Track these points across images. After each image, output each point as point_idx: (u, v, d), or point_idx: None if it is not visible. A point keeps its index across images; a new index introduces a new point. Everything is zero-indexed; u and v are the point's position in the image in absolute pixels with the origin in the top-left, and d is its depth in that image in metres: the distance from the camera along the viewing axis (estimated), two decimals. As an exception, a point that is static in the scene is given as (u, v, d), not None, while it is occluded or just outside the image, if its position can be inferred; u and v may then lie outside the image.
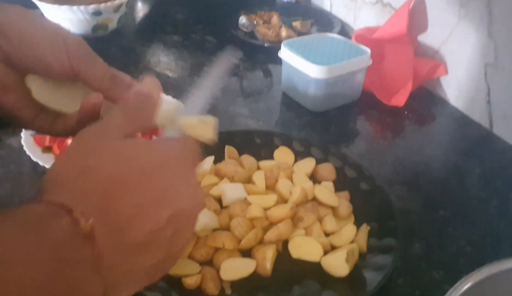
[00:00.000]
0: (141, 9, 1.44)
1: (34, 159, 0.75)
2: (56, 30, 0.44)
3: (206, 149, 0.73)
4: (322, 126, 0.94)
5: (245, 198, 0.67)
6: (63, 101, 0.47)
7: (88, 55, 0.45)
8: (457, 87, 1.00)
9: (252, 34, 1.24)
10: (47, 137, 0.79)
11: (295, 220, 0.64)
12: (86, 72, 0.44)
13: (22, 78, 0.45)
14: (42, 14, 0.43)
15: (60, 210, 0.32)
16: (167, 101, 0.47)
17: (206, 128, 0.47)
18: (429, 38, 1.03)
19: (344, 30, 1.29)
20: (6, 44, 0.43)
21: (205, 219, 0.63)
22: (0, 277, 0.28)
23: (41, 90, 0.46)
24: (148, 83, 0.46)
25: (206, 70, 0.50)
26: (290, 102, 1.00)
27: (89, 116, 0.46)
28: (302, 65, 0.93)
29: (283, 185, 0.69)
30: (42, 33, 0.43)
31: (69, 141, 0.76)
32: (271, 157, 0.79)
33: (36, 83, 0.46)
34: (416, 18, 1.01)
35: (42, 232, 0.30)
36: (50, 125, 0.48)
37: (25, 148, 0.76)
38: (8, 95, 0.45)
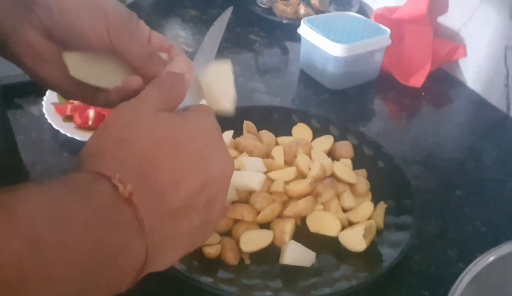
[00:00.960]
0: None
1: (55, 127, 0.76)
2: (97, 2, 0.44)
3: (225, 123, 0.74)
4: (339, 105, 0.94)
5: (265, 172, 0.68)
6: (99, 77, 0.47)
7: (128, 31, 0.45)
8: (475, 69, 0.99)
9: (270, 11, 1.24)
10: (68, 107, 0.80)
11: (313, 195, 0.65)
12: (124, 48, 0.45)
13: (61, 49, 0.46)
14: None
15: (100, 177, 0.33)
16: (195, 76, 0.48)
17: (225, 100, 0.49)
18: (449, 19, 1.03)
19: (363, 9, 1.28)
20: (47, 17, 0.43)
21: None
22: (56, 237, 0.29)
23: (77, 67, 0.46)
24: (180, 63, 0.47)
25: (208, 32, 0.52)
26: (307, 80, 1.00)
27: (130, 96, 0.47)
28: (322, 43, 0.93)
29: (302, 160, 0.69)
30: (83, 5, 0.43)
31: (90, 112, 0.77)
32: (289, 133, 0.79)
33: (72, 59, 0.46)
34: (437, -1, 1.01)
35: (89, 195, 0.32)
36: (91, 97, 0.49)
37: (46, 116, 0.78)
38: (49, 67, 0.46)
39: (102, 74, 0.47)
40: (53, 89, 0.48)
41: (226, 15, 0.54)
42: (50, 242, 0.28)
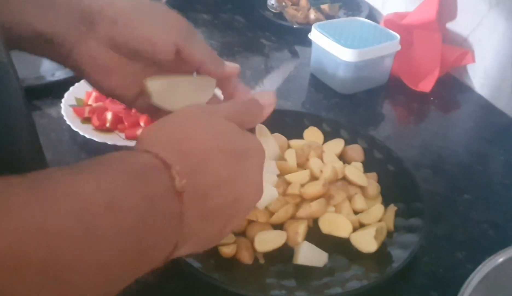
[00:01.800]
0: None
1: (74, 128, 0.78)
2: (157, 10, 0.47)
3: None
4: (350, 109, 0.96)
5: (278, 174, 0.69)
6: (180, 102, 0.48)
7: (190, 32, 0.48)
8: (483, 75, 1.01)
9: (280, 15, 1.26)
10: (86, 109, 0.82)
11: (326, 197, 0.67)
12: (189, 48, 0.47)
13: (125, 60, 0.48)
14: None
15: (161, 164, 0.35)
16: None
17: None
18: (458, 25, 1.05)
19: (372, 14, 1.30)
20: (111, 28, 0.46)
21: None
22: (111, 225, 0.31)
23: (159, 94, 0.49)
24: (266, 96, 0.50)
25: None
26: (318, 84, 1.02)
27: None
28: (333, 48, 0.95)
29: (314, 163, 0.71)
30: (144, 14, 0.46)
31: (108, 114, 0.79)
32: (300, 136, 0.81)
33: (155, 87, 0.49)
34: (446, 6, 1.02)
35: (146, 183, 0.33)
36: (148, 106, 0.51)
37: (65, 118, 0.80)
38: (112, 77, 0.49)
39: (183, 99, 0.49)
40: (115, 98, 0.51)
41: None
42: (105, 230, 0.30)
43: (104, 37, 0.46)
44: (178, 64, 0.50)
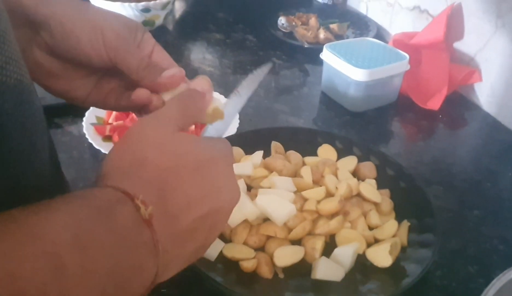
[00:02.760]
0: (182, 7, 1.49)
1: (96, 146, 0.81)
2: (95, 23, 0.47)
3: (254, 143, 0.78)
4: (361, 126, 0.99)
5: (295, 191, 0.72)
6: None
7: (124, 47, 0.48)
8: (490, 93, 1.04)
9: (290, 35, 1.29)
10: (107, 127, 0.85)
11: (341, 213, 0.69)
12: (122, 62, 0.48)
13: (69, 66, 0.49)
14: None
15: (124, 196, 0.35)
16: (216, 99, 0.51)
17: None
18: (465, 45, 1.08)
19: (380, 34, 1.33)
20: (50, 38, 0.47)
21: (258, 210, 0.68)
22: (79, 262, 0.30)
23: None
24: (201, 82, 0.49)
25: (244, 80, 0.56)
26: (329, 102, 1.05)
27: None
28: (344, 68, 0.98)
29: (330, 180, 0.74)
30: (82, 27, 0.46)
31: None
32: (314, 153, 0.84)
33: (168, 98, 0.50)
34: (453, 26, 1.05)
35: (112, 216, 0.33)
36: (103, 101, 0.52)
37: (87, 136, 0.82)
38: (58, 81, 0.50)
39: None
40: (67, 100, 0.52)
41: (266, 69, 0.57)
42: (73, 268, 0.29)
43: (45, 46, 0.47)
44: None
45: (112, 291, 0.32)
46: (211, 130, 0.49)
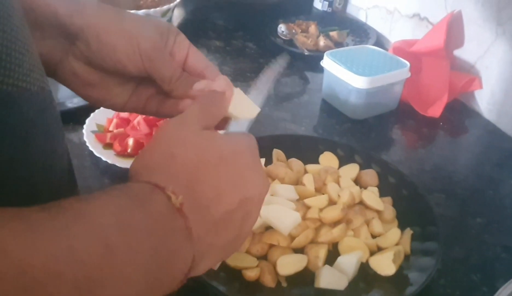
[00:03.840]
0: (181, 14, 1.50)
1: (96, 154, 0.80)
2: (131, 33, 0.48)
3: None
4: (362, 134, 0.98)
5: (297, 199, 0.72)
6: (247, 110, 0.52)
7: (159, 58, 0.49)
8: (491, 101, 1.04)
9: (290, 42, 1.29)
10: (108, 135, 0.84)
11: (344, 221, 0.69)
12: (156, 73, 0.50)
13: (106, 75, 0.50)
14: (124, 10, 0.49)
15: (156, 188, 0.37)
16: (238, 93, 0.52)
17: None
18: (466, 53, 1.08)
19: (380, 41, 1.33)
20: (86, 48, 0.48)
21: (261, 219, 0.67)
22: (125, 242, 0.32)
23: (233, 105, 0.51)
24: (221, 82, 0.51)
25: (261, 73, 0.56)
26: (330, 109, 1.05)
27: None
28: (344, 75, 0.98)
29: (332, 188, 0.74)
30: (118, 38, 0.48)
31: (129, 140, 0.82)
32: (315, 161, 0.83)
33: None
34: (454, 34, 1.06)
35: (148, 204, 0.36)
36: (143, 107, 0.54)
37: (87, 144, 0.82)
38: (95, 90, 0.51)
39: (249, 107, 0.52)
40: (106, 107, 0.54)
41: (282, 61, 0.58)
42: (121, 247, 0.32)
43: (81, 56, 0.49)
44: None
45: (155, 272, 0.34)
46: (234, 125, 0.50)
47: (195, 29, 1.39)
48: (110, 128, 0.87)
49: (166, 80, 0.50)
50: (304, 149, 0.85)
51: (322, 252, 0.65)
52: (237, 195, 0.41)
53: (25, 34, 0.34)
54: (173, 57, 0.51)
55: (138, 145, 0.82)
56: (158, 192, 0.37)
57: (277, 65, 0.58)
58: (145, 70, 0.49)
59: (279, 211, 0.66)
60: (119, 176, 0.79)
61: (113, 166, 0.79)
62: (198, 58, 0.53)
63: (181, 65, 0.52)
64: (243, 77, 1.14)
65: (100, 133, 0.86)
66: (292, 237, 0.67)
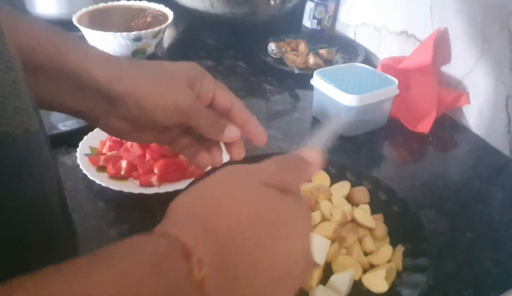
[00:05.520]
0: (172, 34, 1.51)
1: (90, 177, 0.81)
2: (169, 96, 0.52)
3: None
4: (352, 150, 1.00)
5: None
6: None
7: (195, 111, 0.53)
8: (479, 116, 1.06)
9: (280, 61, 1.31)
10: (101, 158, 0.85)
11: (337, 239, 0.70)
12: (194, 124, 0.54)
13: (144, 128, 0.56)
14: (155, 65, 0.53)
15: (180, 251, 0.32)
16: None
17: None
18: (453, 69, 1.10)
19: (368, 58, 1.35)
20: (126, 111, 0.52)
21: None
22: None
23: None
24: (312, 153, 0.47)
25: (319, 129, 0.58)
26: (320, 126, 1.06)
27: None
28: (334, 93, 0.99)
29: (325, 206, 0.75)
30: (156, 103, 0.52)
31: (123, 162, 0.83)
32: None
33: None
34: (441, 50, 1.08)
35: (162, 274, 0.31)
36: (170, 142, 0.60)
37: (81, 167, 0.83)
38: (133, 135, 0.57)
39: None
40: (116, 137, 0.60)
41: (336, 122, 0.62)
42: None
43: (120, 116, 0.53)
44: None
45: None
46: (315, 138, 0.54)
47: (186, 49, 1.40)
48: (104, 151, 0.88)
49: (204, 127, 0.55)
50: (296, 167, 0.86)
51: (316, 272, 0.66)
52: (277, 270, 0.35)
53: (11, 76, 0.33)
54: (201, 99, 0.55)
55: (131, 167, 0.83)
56: (181, 259, 0.32)
57: (331, 125, 0.58)
58: (182, 124, 0.55)
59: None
60: (112, 199, 0.80)
61: (107, 188, 0.79)
62: (224, 96, 0.58)
63: (208, 105, 0.56)
64: (238, 96, 1.15)
65: (94, 156, 0.86)
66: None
